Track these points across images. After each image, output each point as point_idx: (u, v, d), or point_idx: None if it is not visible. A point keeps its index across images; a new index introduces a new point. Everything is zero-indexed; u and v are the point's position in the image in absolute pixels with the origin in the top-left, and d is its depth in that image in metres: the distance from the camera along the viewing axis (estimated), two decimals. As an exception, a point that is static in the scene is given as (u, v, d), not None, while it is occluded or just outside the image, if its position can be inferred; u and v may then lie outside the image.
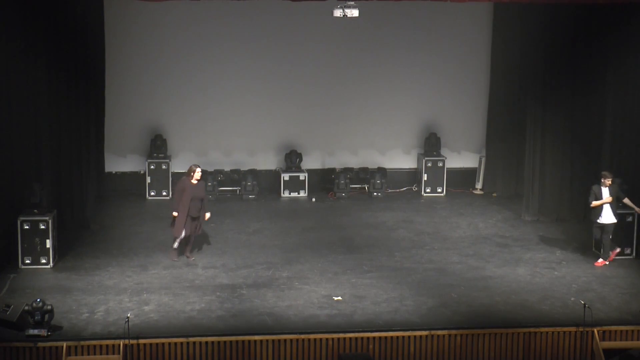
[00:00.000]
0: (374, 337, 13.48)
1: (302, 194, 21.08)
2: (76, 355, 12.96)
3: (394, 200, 20.90)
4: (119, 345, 12.95)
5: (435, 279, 15.71)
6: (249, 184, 20.70)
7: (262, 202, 20.58)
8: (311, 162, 21.63)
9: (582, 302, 13.93)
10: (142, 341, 13.10)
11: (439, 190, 21.36)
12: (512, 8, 19.77)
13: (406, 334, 13.54)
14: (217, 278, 15.63)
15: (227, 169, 21.29)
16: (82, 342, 13.02)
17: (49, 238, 15.98)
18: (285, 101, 21.30)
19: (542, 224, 18.98)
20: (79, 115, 17.98)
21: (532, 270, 16.23)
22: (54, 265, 16.07)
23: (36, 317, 13.18)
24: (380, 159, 21.89)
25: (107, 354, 12.98)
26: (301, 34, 20.98)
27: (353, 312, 14.21)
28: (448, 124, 21.80)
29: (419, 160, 21.71)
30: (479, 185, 21.80)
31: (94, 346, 13.02)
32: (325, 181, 21.60)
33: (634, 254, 16.97)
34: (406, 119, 21.78)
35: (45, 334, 13.09)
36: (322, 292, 15.00)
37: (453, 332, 13.62)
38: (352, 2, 16.15)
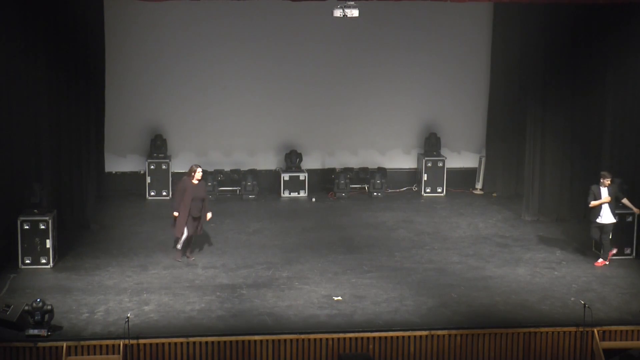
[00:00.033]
0: (374, 337, 13.48)
1: (302, 194, 21.08)
2: (76, 355, 12.96)
3: (394, 200, 20.90)
4: (119, 345, 12.96)
5: (435, 279, 15.71)
6: (249, 184, 20.70)
7: (262, 202, 20.58)
8: (311, 162, 21.63)
9: (582, 302, 13.93)
10: (142, 341, 13.10)
11: (439, 190, 21.36)
12: (512, 8, 19.78)
13: (406, 334, 13.54)
14: (217, 278, 15.63)
15: (227, 169, 21.29)
16: (82, 342, 13.02)
17: (49, 238, 15.99)
18: (285, 101, 21.30)
19: (542, 224, 18.98)
20: (79, 115, 17.98)
21: (532, 270, 16.23)
22: (54, 265, 16.07)
23: (36, 317, 13.18)
24: (380, 159, 21.88)
25: (107, 354, 12.98)
26: (301, 34, 20.98)
27: (353, 312, 14.21)
28: (448, 124, 21.80)
29: (419, 160, 21.71)
30: (479, 185, 21.80)
31: (94, 346, 13.02)
32: (325, 181, 21.60)
33: (634, 254, 16.97)
34: (406, 119, 21.78)
35: (45, 334, 13.09)
36: (322, 292, 15.00)
37: (453, 332, 13.62)
38: (352, 2, 16.15)
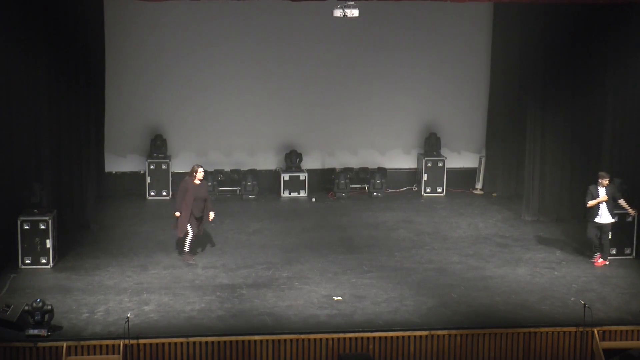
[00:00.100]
0: (374, 337, 13.48)
1: (302, 194, 21.07)
2: (76, 355, 12.96)
3: (394, 200, 20.90)
4: (119, 345, 12.95)
5: (435, 279, 15.71)
6: (249, 184, 20.70)
7: (262, 202, 20.58)
8: (311, 162, 21.63)
9: (582, 302, 13.93)
10: (142, 341, 13.11)
11: (439, 190, 21.36)
12: (512, 8, 19.78)
13: (406, 334, 13.54)
14: (217, 278, 15.63)
15: (227, 169, 21.29)
16: (82, 342, 13.03)
17: (49, 238, 15.99)
18: (285, 101, 21.29)
19: (542, 224, 18.97)
20: (79, 115, 17.98)
21: (532, 270, 16.23)
22: (54, 265, 16.08)
23: (36, 317, 13.19)
24: (380, 159, 21.88)
25: (107, 354, 12.98)
26: (301, 34, 20.97)
27: (353, 312, 14.21)
28: (448, 124, 21.80)
29: (419, 160, 21.71)
30: (479, 185, 21.80)
31: (94, 346, 13.03)
32: (325, 181, 21.60)
33: (634, 254, 16.97)
34: (406, 119, 21.78)
35: (45, 334, 13.09)
36: (322, 292, 15.00)
37: (453, 332, 13.62)
38: (352, 2, 16.14)
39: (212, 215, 16.48)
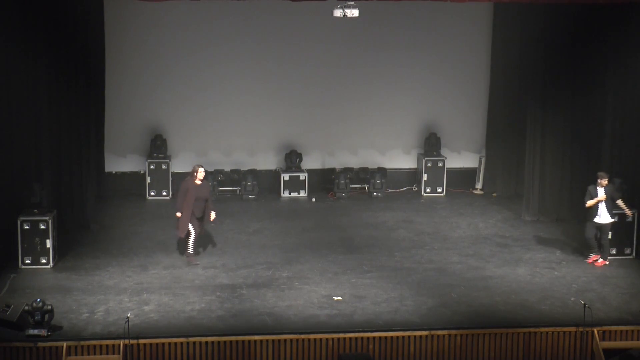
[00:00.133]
0: (374, 337, 13.48)
1: (302, 194, 21.07)
2: (76, 355, 12.95)
3: (394, 200, 20.90)
4: (119, 345, 12.95)
5: (435, 279, 15.71)
6: (249, 184, 20.70)
7: (262, 202, 20.58)
8: (311, 162, 21.63)
9: (582, 302, 13.93)
10: (142, 341, 13.10)
11: (439, 190, 21.36)
12: (512, 8, 19.78)
13: (406, 334, 13.54)
14: (217, 278, 15.63)
15: (227, 169, 21.29)
16: (82, 342, 13.02)
17: (49, 238, 15.99)
18: (285, 101, 21.30)
19: (542, 224, 18.98)
20: (79, 115, 17.97)
21: (532, 270, 16.23)
22: (54, 265, 16.07)
23: (36, 317, 13.18)
24: (380, 159, 21.88)
25: (107, 354, 12.97)
26: (301, 34, 20.98)
27: (353, 312, 14.21)
28: (448, 124, 21.80)
29: (419, 160, 21.71)
30: (479, 185, 21.80)
31: (94, 346, 13.02)
32: (325, 181, 21.60)
33: (634, 254, 16.97)
34: (406, 119, 21.78)
35: (45, 334, 13.09)
36: (322, 292, 15.00)
37: (453, 332, 13.61)
38: (352, 2, 16.15)
39: (213, 215, 16.48)
